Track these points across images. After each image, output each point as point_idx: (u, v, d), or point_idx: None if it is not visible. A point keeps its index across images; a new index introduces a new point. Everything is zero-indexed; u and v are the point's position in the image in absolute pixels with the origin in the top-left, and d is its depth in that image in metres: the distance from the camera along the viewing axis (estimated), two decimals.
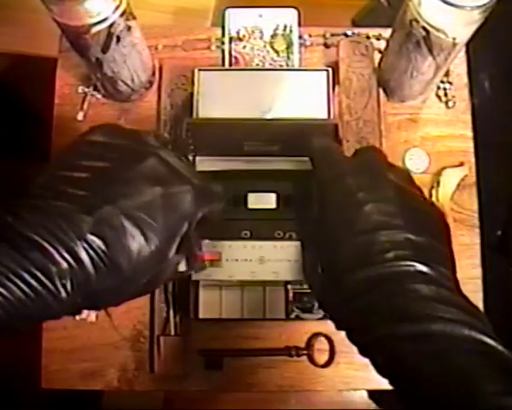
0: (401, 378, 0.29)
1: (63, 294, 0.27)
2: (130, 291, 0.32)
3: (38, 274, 0.27)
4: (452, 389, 0.27)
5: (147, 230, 0.30)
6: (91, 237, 0.28)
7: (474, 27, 0.43)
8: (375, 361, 0.31)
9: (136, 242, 0.30)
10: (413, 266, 0.30)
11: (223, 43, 0.57)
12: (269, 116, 0.47)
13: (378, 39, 0.57)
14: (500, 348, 0.28)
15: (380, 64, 0.55)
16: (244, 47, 0.57)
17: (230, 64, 0.56)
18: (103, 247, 0.28)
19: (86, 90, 0.56)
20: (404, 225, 0.31)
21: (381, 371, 0.31)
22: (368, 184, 0.33)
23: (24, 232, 0.27)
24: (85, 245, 0.28)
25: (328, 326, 0.51)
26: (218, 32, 0.58)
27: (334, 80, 0.52)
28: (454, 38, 0.43)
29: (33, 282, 0.26)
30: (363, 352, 0.32)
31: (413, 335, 0.28)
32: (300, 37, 0.57)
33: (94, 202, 0.29)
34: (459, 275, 0.51)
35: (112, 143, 0.32)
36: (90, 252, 0.28)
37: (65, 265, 0.27)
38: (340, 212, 0.33)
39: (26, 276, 0.26)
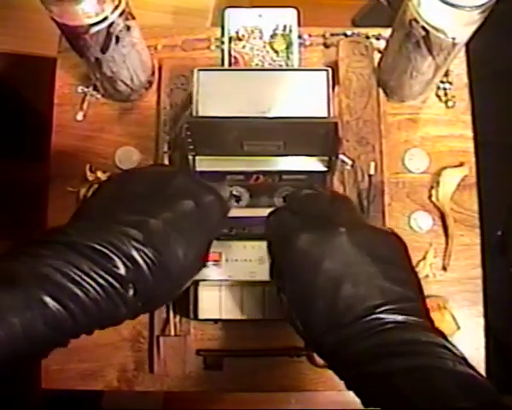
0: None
1: (130, 294, 0.30)
2: (175, 293, 0.35)
3: (107, 277, 0.30)
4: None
5: (188, 236, 0.33)
6: (144, 248, 0.31)
7: (473, 27, 0.43)
8: (361, 396, 0.33)
9: (182, 247, 0.33)
10: (379, 316, 0.32)
11: (222, 43, 0.57)
12: (268, 116, 0.47)
13: (378, 39, 0.57)
14: (471, 371, 0.30)
15: (379, 64, 0.55)
16: (244, 47, 0.57)
17: (230, 64, 0.56)
18: (156, 254, 0.31)
19: (86, 90, 0.56)
20: (362, 272, 0.33)
21: (369, 404, 0.33)
22: (319, 240, 0.34)
23: (89, 243, 0.30)
24: (141, 253, 0.31)
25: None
26: (218, 31, 0.58)
27: (334, 80, 0.52)
28: (454, 38, 0.43)
29: (104, 283, 0.29)
30: (348, 387, 0.34)
31: (393, 371, 0.30)
32: (300, 37, 0.57)
33: (141, 218, 0.32)
34: (459, 275, 0.52)
35: (144, 171, 0.38)
36: (146, 259, 0.31)
37: (127, 270, 0.30)
38: (299, 273, 0.34)
39: (98, 278, 0.29)
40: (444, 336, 0.32)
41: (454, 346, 0.32)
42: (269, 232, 0.39)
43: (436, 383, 0.29)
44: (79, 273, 0.29)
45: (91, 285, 0.29)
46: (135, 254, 0.31)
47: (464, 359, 0.31)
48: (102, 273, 0.29)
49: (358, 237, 0.34)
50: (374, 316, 0.32)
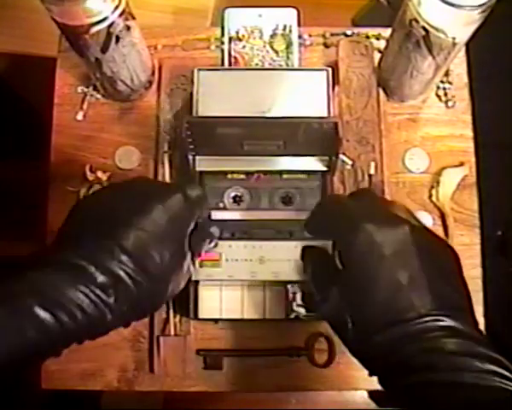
0: None
1: (112, 300, 0.32)
2: (163, 294, 0.37)
3: (89, 284, 0.32)
4: None
5: (162, 237, 0.35)
6: (119, 257, 0.33)
7: (473, 27, 0.43)
8: (406, 406, 0.32)
9: (157, 250, 0.35)
10: (437, 320, 0.31)
11: (222, 42, 0.57)
12: (268, 116, 0.47)
13: (378, 39, 0.57)
14: None
15: (380, 64, 0.55)
16: (243, 47, 0.57)
17: (230, 64, 0.56)
18: (131, 261, 0.33)
19: (86, 90, 0.56)
20: (424, 276, 0.33)
21: None
22: (384, 234, 0.34)
23: (65, 259, 0.32)
24: (118, 263, 0.33)
25: (328, 326, 0.51)
26: (218, 31, 0.58)
27: (334, 80, 0.52)
28: (454, 38, 0.43)
29: (86, 290, 0.32)
30: (393, 397, 0.33)
31: (446, 383, 0.30)
32: (300, 36, 0.57)
33: (113, 230, 0.34)
34: None
35: (107, 187, 0.41)
36: (123, 266, 0.33)
37: (106, 279, 0.32)
38: (363, 266, 0.34)
39: (80, 286, 0.32)
40: (496, 351, 0.31)
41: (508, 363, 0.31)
42: (328, 215, 0.39)
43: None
44: (61, 283, 0.31)
45: (74, 293, 0.31)
46: (111, 263, 0.33)
47: None
48: (82, 281, 0.32)
49: (421, 238, 0.34)
50: (430, 318, 0.31)
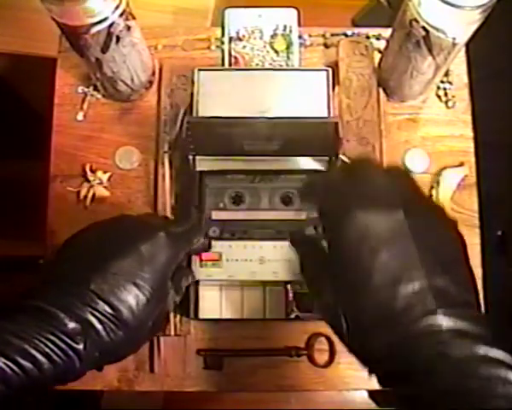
0: None
1: (81, 347, 0.32)
2: (141, 337, 0.37)
3: (55, 331, 0.32)
4: None
5: (139, 281, 0.35)
6: (92, 303, 0.33)
7: (474, 27, 0.43)
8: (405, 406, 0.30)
9: (133, 294, 0.35)
10: (438, 320, 0.29)
11: (222, 43, 0.57)
12: (268, 116, 0.47)
13: (378, 39, 0.57)
14: None
15: (380, 64, 0.55)
16: (244, 47, 0.57)
17: (230, 64, 0.56)
18: (107, 308, 0.33)
19: (86, 90, 0.56)
20: (422, 269, 0.30)
21: None
22: (377, 222, 0.31)
23: (37, 306, 0.32)
24: (91, 309, 0.33)
25: (328, 326, 0.51)
26: (218, 32, 0.58)
27: (334, 80, 0.52)
28: (454, 38, 0.43)
29: (53, 337, 0.31)
30: (394, 400, 0.31)
31: (449, 391, 0.28)
32: (300, 37, 0.57)
33: (87, 275, 0.34)
34: None
35: (91, 226, 0.39)
36: (95, 313, 0.33)
37: (76, 326, 0.32)
38: (355, 259, 0.31)
39: (46, 333, 0.31)
40: (509, 351, 0.29)
41: None
42: (319, 199, 0.36)
43: None
44: (26, 330, 0.31)
45: (40, 340, 0.31)
46: (81, 309, 0.33)
47: None
48: (50, 328, 0.31)
49: (419, 224, 0.31)
50: (430, 318, 0.29)
